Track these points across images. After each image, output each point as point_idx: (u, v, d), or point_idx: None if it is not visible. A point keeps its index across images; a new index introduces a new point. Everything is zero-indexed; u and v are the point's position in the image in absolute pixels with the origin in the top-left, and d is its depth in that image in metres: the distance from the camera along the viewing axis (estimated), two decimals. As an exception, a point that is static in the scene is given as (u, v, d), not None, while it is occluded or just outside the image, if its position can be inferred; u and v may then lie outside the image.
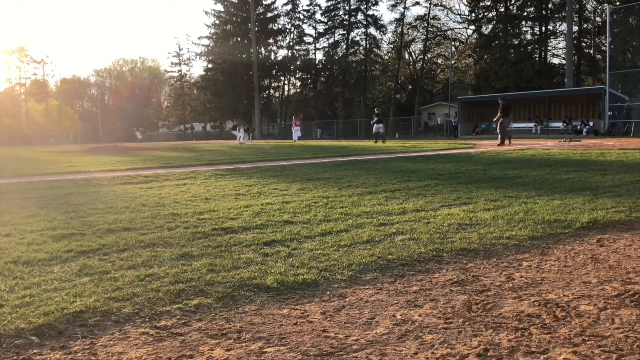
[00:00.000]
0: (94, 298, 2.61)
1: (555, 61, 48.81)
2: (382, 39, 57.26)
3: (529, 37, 45.85)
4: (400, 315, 2.34)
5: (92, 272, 3.08)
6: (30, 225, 4.60)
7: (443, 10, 65.44)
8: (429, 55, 58.40)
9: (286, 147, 21.69)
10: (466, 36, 57.97)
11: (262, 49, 56.28)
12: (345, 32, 55.48)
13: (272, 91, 61.19)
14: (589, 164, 9.16)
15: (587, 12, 46.08)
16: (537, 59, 45.00)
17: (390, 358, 1.91)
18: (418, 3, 54.64)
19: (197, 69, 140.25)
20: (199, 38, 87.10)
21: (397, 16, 65.77)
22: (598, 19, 45.97)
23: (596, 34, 46.71)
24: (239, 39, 56.50)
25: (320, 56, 62.33)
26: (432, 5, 53.52)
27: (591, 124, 30.02)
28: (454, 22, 70.27)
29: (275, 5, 57.47)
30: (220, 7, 56.22)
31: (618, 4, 38.81)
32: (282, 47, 58.91)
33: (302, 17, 57.70)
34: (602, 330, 2.10)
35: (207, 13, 76.62)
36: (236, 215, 4.90)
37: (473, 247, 3.54)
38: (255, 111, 53.11)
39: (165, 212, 5.21)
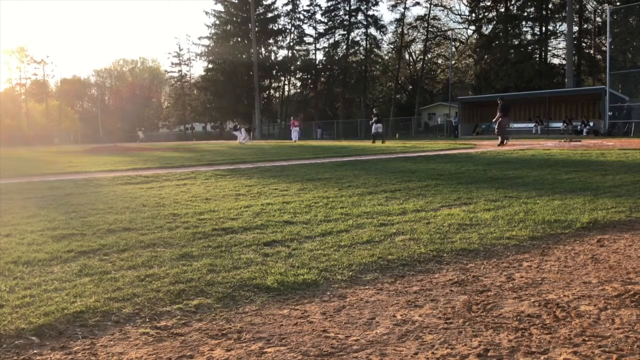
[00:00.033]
0: (94, 298, 2.61)
1: (555, 61, 48.89)
2: (382, 39, 57.36)
3: (529, 37, 45.90)
4: (400, 315, 2.34)
5: (92, 272, 3.08)
6: (30, 225, 4.60)
7: (443, 10, 65.59)
8: (429, 55, 58.45)
9: (286, 147, 21.69)
10: (466, 36, 58.05)
11: (262, 49, 56.28)
12: (345, 32, 55.50)
13: (272, 91, 61.18)
14: (589, 164, 9.16)
15: (587, 12, 46.09)
16: (537, 59, 44.99)
17: (390, 358, 1.91)
18: (418, 3, 54.72)
19: (197, 69, 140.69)
20: (199, 38, 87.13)
21: (397, 16, 65.98)
22: (598, 19, 45.99)
23: (596, 34, 46.71)
24: (239, 39, 56.48)
25: (320, 56, 62.45)
26: (432, 5, 53.59)
27: (591, 124, 30.02)
28: (454, 22, 70.34)
29: (275, 5, 57.51)
30: (220, 7, 56.25)
31: (618, 4, 38.81)
32: (282, 47, 58.96)
33: (302, 17, 57.76)
34: (602, 330, 2.10)
35: (207, 13, 76.74)
36: (236, 215, 4.90)
37: (473, 247, 3.54)
38: (255, 111, 53.10)
39: (165, 212, 5.22)
